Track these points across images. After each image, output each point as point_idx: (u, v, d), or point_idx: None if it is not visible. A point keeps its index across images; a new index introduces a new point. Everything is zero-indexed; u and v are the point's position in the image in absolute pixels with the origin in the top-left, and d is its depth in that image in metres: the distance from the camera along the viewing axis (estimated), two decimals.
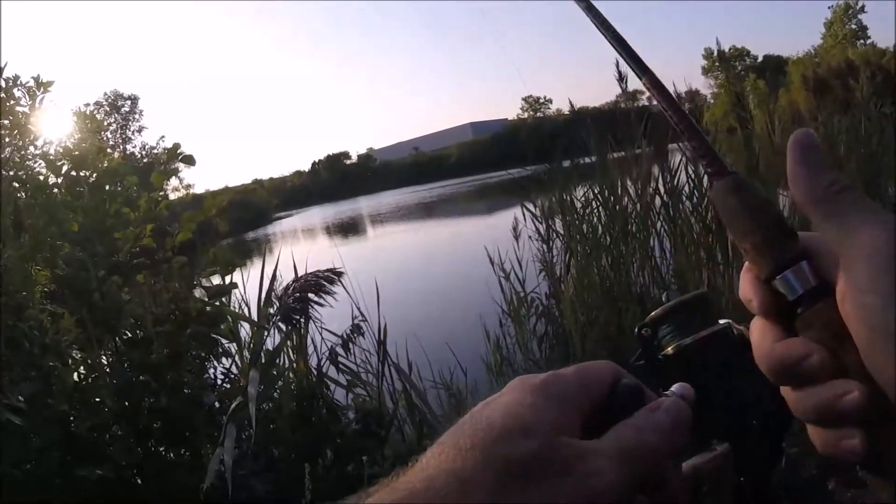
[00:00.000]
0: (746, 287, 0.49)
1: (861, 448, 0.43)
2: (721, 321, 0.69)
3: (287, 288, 3.31)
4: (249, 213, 52.79)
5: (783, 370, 0.46)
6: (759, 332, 0.49)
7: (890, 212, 0.44)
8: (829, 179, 0.46)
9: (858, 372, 0.43)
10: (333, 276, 3.36)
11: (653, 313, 0.75)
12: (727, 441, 0.77)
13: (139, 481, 2.72)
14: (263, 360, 3.00)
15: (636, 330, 0.78)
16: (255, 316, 3.33)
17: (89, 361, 2.93)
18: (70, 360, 2.85)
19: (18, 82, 3.07)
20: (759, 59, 77.47)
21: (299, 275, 3.45)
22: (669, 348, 0.70)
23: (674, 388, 0.54)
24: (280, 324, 3.25)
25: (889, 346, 0.40)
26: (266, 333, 3.16)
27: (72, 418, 2.69)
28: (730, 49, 73.53)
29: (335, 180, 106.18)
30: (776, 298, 0.47)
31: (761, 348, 0.48)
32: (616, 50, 0.62)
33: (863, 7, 67.06)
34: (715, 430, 0.68)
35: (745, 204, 0.49)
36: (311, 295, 3.27)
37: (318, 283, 3.28)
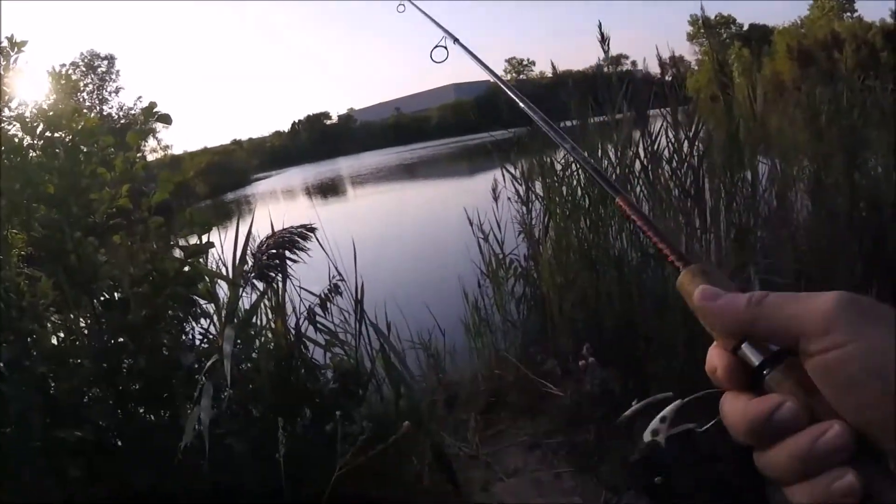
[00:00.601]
0: (713, 359, 0.52)
1: (857, 483, 0.43)
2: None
3: (261, 245, 3.31)
4: (228, 174, 52.33)
5: (757, 427, 0.48)
6: (730, 402, 0.51)
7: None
8: (746, 298, 0.50)
9: (832, 417, 0.45)
10: (307, 231, 3.35)
11: (624, 414, 0.83)
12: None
13: (119, 443, 2.74)
14: (240, 319, 3.01)
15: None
16: (231, 275, 3.33)
17: (67, 324, 2.93)
18: (48, 323, 2.84)
19: None
20: (745, 27, 77.26)
21: (273, 231, 3.44)
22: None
23: None
24: (255, 281, 3.25)
25: (869, 383, 0.43)
26: (241, 291, 3.16)
27: (50, 381, 2.69)
28: (716, 16, 73.30)
29: (315, 141, 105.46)
30: (742, 366, 0.50)
31: (733, 415, 0.50)
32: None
33: None
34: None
35: (709, 284, 0.53)
36: (285, 251, 3.27)
37: (293, 239, 3.28)
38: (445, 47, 1.41)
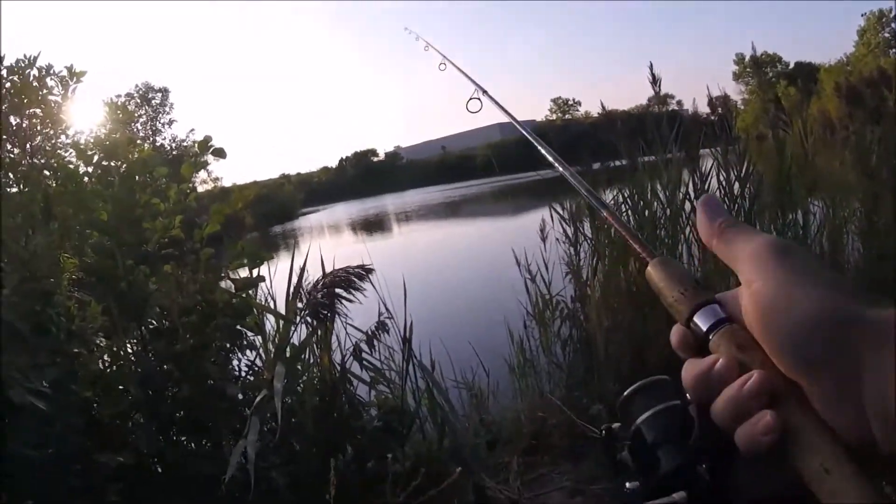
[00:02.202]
0: (673, 334, 0.61)
1: (771, 422, 0.49)
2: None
3: (316, 283, 3.31)
4: (276, 207, 52.99)
5: (700, 384, 0.55)
6: (685, 367, 0.58)
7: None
8: (722, 219, 0.60)
9: (761, 367, 0.52)
10: (363, 272, 3.35)
11: (619, 399, 0.91)
12: (683, 489, 0.89)
13: (159, 469, 2.73)
14: (289, 355, 3.00)
15: (600, 430, 0.96)
16: (281, 309, 3.33)
17: (114, 349, 2.94)
18: (95, 348, 2.86)
19: (52, 71, 3.09)
20: (791, 65, 76.65)
21: (328, 270, 3.44)
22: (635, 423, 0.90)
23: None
24: (308, 318, 3.25)
25: (775, 315, 0.51)
26: (293, 328, 3.16)
27: (94, 405, 2.70)
28: (762, 55, 72.86)
29: (361, 177, 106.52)
30: (693, 336, 0.59)
31: (685, 377, 0.57)
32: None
33: None
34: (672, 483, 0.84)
35: (668, 272, 0.64)
36: (339, 290, 3.27)
37: (349, 278, 3.28)
38: (479, 99, 1.54)
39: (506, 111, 1.19)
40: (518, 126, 1.16)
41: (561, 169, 0.98)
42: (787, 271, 0.52)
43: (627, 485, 1.07)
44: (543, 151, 1.01)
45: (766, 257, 0.54)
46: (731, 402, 0.52)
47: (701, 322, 0.57)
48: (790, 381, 0.50)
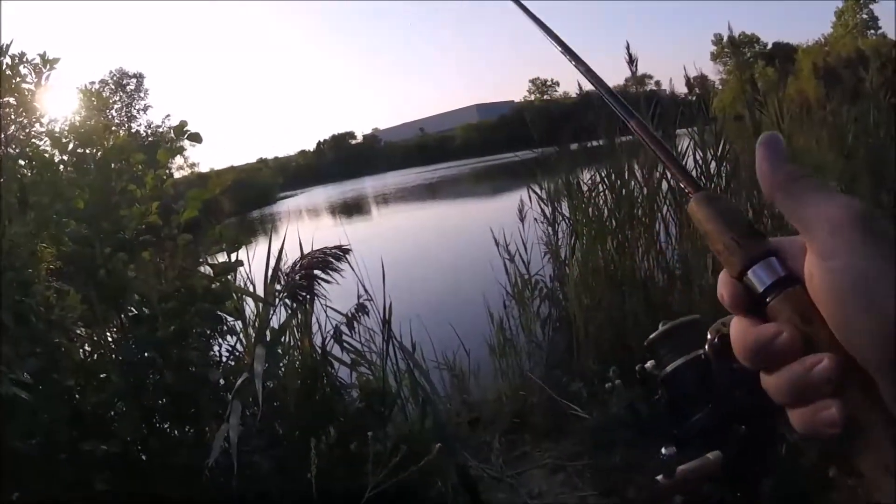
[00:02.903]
0: (721, 285, 0.53)
1: (838, 416, 0.44)
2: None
3: (294, 265, 3.32)
4: (254, 192, 52.67)
5: (757, 354, 0.49)
6: (736, 327, 0.51)
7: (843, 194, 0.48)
8: (789, 169, 0.51)
9: (829, 347, 0.46)
10: (341, 252, 3.36)
11: (649, 337, 0.86)
12: (718, 449, 0.84)
13: (144, 457, 2.74)
14: (269, 338, 3.01)
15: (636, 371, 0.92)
16: (260, 293, 3.34)
17: (95, 338, 2.94)
18: (76, 337, 2.86)
19: (24, 59, 3.06)
20: (769, 46, 76.87)
21: (303, 252, 3.45)
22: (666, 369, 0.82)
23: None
24: (286, 301, 3.25)
25: (857, 302, 0.44)
26: (272, 311, 3.16)
27: (77, 394, 2.70)
28: (740, 35, 73.02)
29: (340, 160, 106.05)
30: (747, 293, 0.51)
31: (737, 341, 0.51)
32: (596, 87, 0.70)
33: None
34: (704, 439, 0.76)
35: (717, 211, 0.54)
36: (317, 272, 3.28)
37: (326, 259, 3.28)
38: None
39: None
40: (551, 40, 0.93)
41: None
42: (876, 254, 0.45)
43: (664, 450, 1.05)
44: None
45: (850, 229, 0.46)
46: (794, 384, 0.47)
47: (757, 280, 0.50)
48: (859, 369, 0.45)
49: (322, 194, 62.94)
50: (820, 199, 0.48)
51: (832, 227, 0.46)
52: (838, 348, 0.45)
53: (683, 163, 4.21)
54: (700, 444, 0.93)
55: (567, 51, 0.82)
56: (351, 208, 39.29)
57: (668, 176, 4.91)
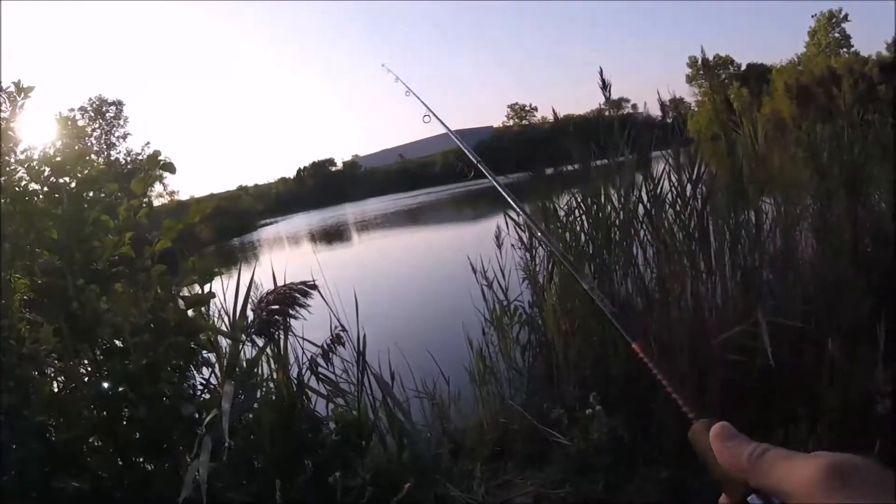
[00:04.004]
0: None
1: None
2: None
3: (261, 301, 3.30)
4: (234, 219, 52.53)
5: None
6: None
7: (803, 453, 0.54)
8: (750, 449, 0.57)
9: None
10: (307, 289, 3.35)
11: None
12: None
13: (116, 493, 2.69)
14: (240, 372, 2.98)
15: None
16: (231, 328, 3.31)
17: (67, 372, 2.89)
18: (48, 370, 2.81)
19: None
20: (743, 67, 77.97)
21: (276, 286, 3.43)
22: None
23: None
24: (256, 336, 3.23)
25: None
26: (242, 344, 3.13)
27: (50, 429, 2.65)
28: (714, 57, 74.05)
29: (320, 187, 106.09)
30: None
31: None
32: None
33: (846, 16, 67.77)
34: None
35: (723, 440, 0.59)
36: (284, 308, 3.26)
37: (293, 295, 3.27)
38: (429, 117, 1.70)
39: (472, 156, 1.21)
40: (495, 183, 1.16)
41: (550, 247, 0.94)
42: (855, 498, 0.48)
43: None
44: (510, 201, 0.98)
45: (829, 487, 0.49)
46: None
47: None
48: None
49: (302, 221, 62.87)
50: (792, 464, 0.52)
51: (812, 487, 0.50)
52: None
53: (659, 188, 4.24)
54: None
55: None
56: (331, 235, 39.24)
57: (644, 200, 4.97)
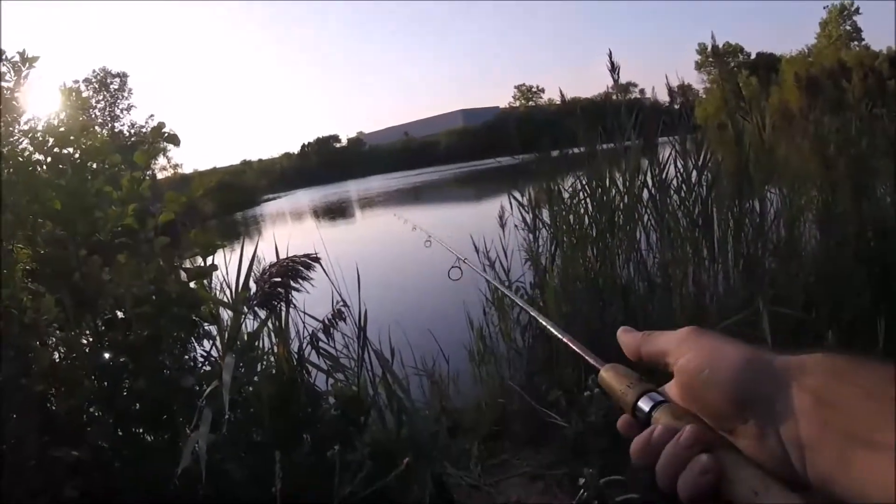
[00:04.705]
0: (619, 424, 0.69)
1: (707, 462, 0.55)
2: None
3: (264, 272, 3.30)
4: (237, 194, 52.50)
5: (643, 451, 0.62)
6: (632, 445, 0.64)
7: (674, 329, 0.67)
8: (639, 335, 0.71)
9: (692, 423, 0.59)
10: (310, 261, 3.35)
11: None
12: None
13: (116, 463, 2.70)
14: (241, 345, 2.98)
15: None
16: (233, 300, 3.32)
17: (67, 342, 2.90)
18: (49, 340, 2.82)
19: (3, 57, 3.02)
20: (752, 56, 77.53)
21: (278, 259, 3.43)
22: None
23: None
24: (258, 308, 3.23)
25: (695, 379, 0.60)
26: (243, 317, 3.13)
27: (50, 399, 2.66)
28: (724, 45, 73.55)
29: (324, 163, 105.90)
30: (638, 422, 0.66)
31: (632, 454, 0.64)
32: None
33: (857, 9, 67.32)
34: None
35: (616, 373, 0.72)
36: (288, 280, 3.26)
37: (295, 268, 3.27)
38: (460, 268, 1.75)
39: (487, 279, 1.25)
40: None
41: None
42: (708, 340, 0.62)
43: None
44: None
45: (686, 338, 0.64)
46: (670, 457, 0.58)
47: (643, 405, 0.66)
48: (718, 434, 0.58)
49: (305, 197, 62.82)
50: (666, 335, 0.67)
51: (678, 342, 0.64)
52: (701, 424, 0.59)
53: (665, 173, 4.23)
54: None
55: None
56: (334, 211, 39.21)
57: (650, 185, 4.97)
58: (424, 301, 8.25)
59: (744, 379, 0.56)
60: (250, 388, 3.04)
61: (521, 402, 4.47)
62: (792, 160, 5.72)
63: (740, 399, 0.56)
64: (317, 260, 3.37)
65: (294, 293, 3.33)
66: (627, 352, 0.72)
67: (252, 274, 3.32)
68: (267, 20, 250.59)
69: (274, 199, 66.43)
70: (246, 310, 3.13)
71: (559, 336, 0.90)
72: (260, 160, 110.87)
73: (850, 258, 4.85)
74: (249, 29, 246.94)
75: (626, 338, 0.72)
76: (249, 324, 3.26)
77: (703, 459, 0.55)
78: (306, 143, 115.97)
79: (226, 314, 3.23)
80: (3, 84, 3.04)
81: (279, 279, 3.24)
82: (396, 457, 2.56)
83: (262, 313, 3.28)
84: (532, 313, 1.04)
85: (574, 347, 0.84)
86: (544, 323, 0.98)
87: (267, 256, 3.55)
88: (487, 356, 5.13)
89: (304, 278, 3.29)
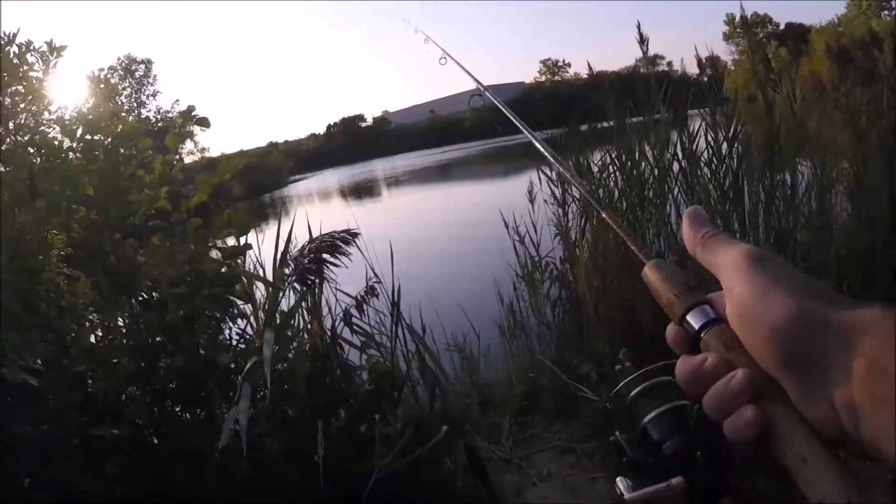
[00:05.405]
0: (668, 333, 0.66)
1: (752, 416, 0.55)
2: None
3: (303, 248, 3.33)
4: (264, 176, 52.76)
5: (691, 379, 0.61)
6: (679, 363, 0.64)
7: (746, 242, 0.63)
8: (704, 230, 0.67)
9: (745, 366, 0.57)
10: (349, 236, 3.37)
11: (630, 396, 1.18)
12: (680, 475, 1.01)
13: (155, 441, 2.76)
14: (278, 321, 3.02)
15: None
16: (269, 277, 3.35)
17: (105, 323, 2.95)
18: (86, 323, 2.87)
19: (31, 47, 3.05)
20: (781, 26, 76.14)
21: (311, 237, 3.46)
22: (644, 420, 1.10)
23: None
24: (295, 284, 3.26)
25: (752, 319, 0.57)
26: (281, 294, 3.17)
27: (88, 380, 2.72)
28: (752, 15, 72.33)
29: (350, 143, 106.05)
30: (686, 335, 0.64)
31: (678, 373, 0.63)
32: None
33: None
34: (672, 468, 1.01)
35: (663, 274, 0.69)
36: (326, 255, 3.29)
37: (334, 243, 3.29)
38: (480, 96, 1.50)
39: (506, 110, 1.20)
40: (503, 107, 1.16)
41: (562, 169, 1.03)
42: (762, 278, 0.57)
43: (619, 482, 1.19)
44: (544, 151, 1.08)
45: (744, 265, 0.59)
46: (718, 397, 0.58)
47: (693, 321, 0.63)
48: (770, 378, 0.55)
49: (332, 177, 63.02)
50: (727, 248, 0.63)
51: (733, 266, 0.60)
52: (754, 366, 0.57)
53: (695, 146, 4.21)
54: (665, 472, 1.09)
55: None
56: (361, 191, 39.33)
57: (680, 158, 4.93)
58: (454, 277, 8.27)
59: (793, 336, 0.54)
60: (284, 364, 3.08)
61: (552, 376, 4.49)
62: (823, 132, 5.63)
63: (788, 356, 0.54)
64: (355, 235, 3.39)
65: (329, 270, 3.36)
66: (686, 244, 0.68)
67: (288, 252, 3.35)
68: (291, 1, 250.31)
69: (301, 179, 66.68)
70: (284, 286, 3.17)
71: (610, 222, 0.84)
72: (286, 141, 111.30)
73: (882, 230, 4.79)
74: (272, 10, 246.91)
75: (688, 232, 0.68)
76: (284, 302, 3.29)
77: (750, 413, 0.55)
78: (332, 124, 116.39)
79: (259, 293, 3.26)
80: (32, 74, 3.08)
81: (317, 254, 3.27)
82: (430, 430, 2.59)
83: (297, 291, 3.31)
84: (585, 193, 0.98)
85: (621, 234, 0.80)
86: (593, 203, 0.96)
87: (299, 235, 3.58)
88: (517, 331, 5.15)
89: (342, 253, 3.32)
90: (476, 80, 1.48)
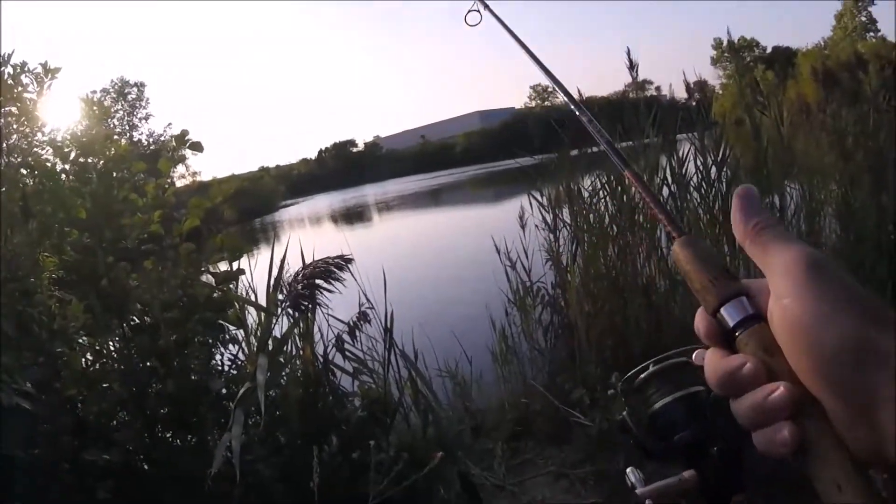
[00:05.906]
0: (697, 321, 0.61)
1: (789, 437, 0.51)
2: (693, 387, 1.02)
3: (297, 274, 3.33)
4: (256, 200, 52.72)
5: (726, 382, 0.56)
6: (709, 358, 0.59)
7: (803, 241, 0.57)
8: (759, 220, 0.59)
9: (787, 377, 0.53)
10: (343, 262, 3.37)
11: (639, 378, 1.09)
12: (693, 469, 0.96)
13: (146, 466, 2.74)
14: (271, 347, 3.01)
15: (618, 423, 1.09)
16: (263, 302, 3.34)
17: (97, 347, 2.94)
18: (78, 346, 2.86)
19: (26, 69, 3.06)
20: (768, 50, 76.97)
21: (307, 261, 3.46)
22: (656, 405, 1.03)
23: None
24: (289, 310, 3.26)
25: (801, 337, 0.51)
26: (274, 320, 3.17)
27: (80, 403, 2.70)
28: (739, 39, 73.11)
29: (342, 168, 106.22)
30: (720, 328, 0.58)
31: (709, 370, 0.58)
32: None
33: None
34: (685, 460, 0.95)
35: (696, 254, 0.62)
36: (320, 281, 3.29)
37: (328, 269, 3.29)
38: (479, 11, 1.34)
39: (509, 30, 1.07)
40: (528, 54, 1.03)
41: (587, 124, 0.91)
42: (818, 292, 0.52)
43: (629, 472, 1.15)
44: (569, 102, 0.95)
45: (799, 273, 0.53)
46: (755, 409, 0.54)
47: (728, 316, 0.58)
48: (811, 396, 0.52)
49: (324, 202, 62.99)
50: (781, 247, 0.56)
51: (786, 270, 0.54)
52: (794, 378, 0.52)
53: (684, 169, 4.24)
54: (677, 464, 1.04)
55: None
56: (352, 216, 39.31)
57: (669, 182, 4.96)
58: (446, 303, 8.27)
59: (843, 364, 0.50)
60: (277, 391, 3.07)
61: (544, 401, 4.48)
62: (810, 154, 5.69)
63: (843, 379, 0.50)
64: (349, 261, 3.40)
65: (322, 295, 3.36)
66: (734, 231, 0.61)
67: (281, 276, 3.35)
68: (281, 26, 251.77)
69: (293, 204, 66.65)
70: (277, 311, 3.16)
71: (643, 194, 0.77)
72: (278, 166, 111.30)
73: (871, 251, 4.82)
74: (263, 36, 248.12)
75: (738, 218, 0.60)
76: (276, 328, 3.29)
77: (786, 434, 0.51)
78: (323, 149, 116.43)
79: (251, 318, 3.26)
80: (26, 95, 3.09)
81: (311, 280, 3.27)
82: (423, 456, 2.58)
83: (290, 316, 3.31)
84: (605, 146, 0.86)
85: (649, 201, 0.73)
86: (614, 158, 0.83)
87: (291, 260, 3.57)
88: (510, 356, 5.15)
89: (336, 279, 3.32)
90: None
